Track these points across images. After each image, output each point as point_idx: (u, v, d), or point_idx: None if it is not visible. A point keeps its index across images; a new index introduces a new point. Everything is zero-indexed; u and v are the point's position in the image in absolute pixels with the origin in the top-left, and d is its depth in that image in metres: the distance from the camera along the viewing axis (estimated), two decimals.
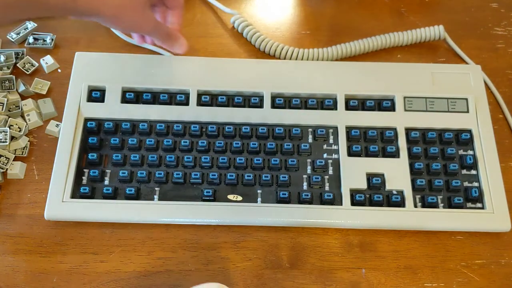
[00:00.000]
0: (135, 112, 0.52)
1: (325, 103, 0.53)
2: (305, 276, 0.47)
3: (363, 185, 0.49)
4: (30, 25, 0.59)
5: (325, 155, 0.51)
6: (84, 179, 0.49)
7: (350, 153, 0.51)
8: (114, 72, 0.54)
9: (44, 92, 0.55)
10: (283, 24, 0.62)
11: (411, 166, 0.51)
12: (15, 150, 0.51)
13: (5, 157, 0.50)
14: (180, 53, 0.52)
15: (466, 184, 0.50)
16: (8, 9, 0.38)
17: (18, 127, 0.52)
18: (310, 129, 0.52)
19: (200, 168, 0.50)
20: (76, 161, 0.49)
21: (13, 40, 0.58)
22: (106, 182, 0.49)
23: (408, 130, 0.52)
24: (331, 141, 0.52)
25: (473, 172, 0.51)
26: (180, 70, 0.54)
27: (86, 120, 0.51)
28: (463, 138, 0.52)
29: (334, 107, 0.53)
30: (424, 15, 0.63)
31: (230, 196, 0.49)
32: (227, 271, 0.47)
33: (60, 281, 0.46)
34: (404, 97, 0.53)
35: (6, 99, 0.53)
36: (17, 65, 0.56)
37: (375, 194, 0.49)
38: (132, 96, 0.53)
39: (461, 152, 0.52)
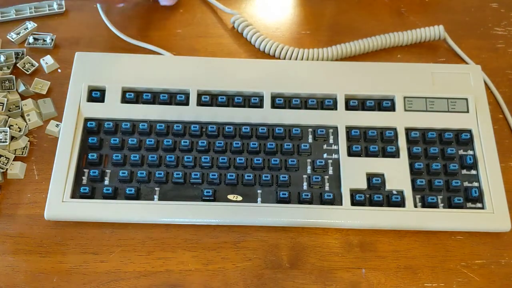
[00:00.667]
0: (135, 112, 0.52)
1: (325, 103, 0.53)
2: (305, 276, 0.47)
3: (363, 185, 0.49)
4: (30, 25, 0.59)
5: (325, 155, 0.51)
6: (84, 179, 0.49)
7: (350, 153, 0.51)
8: (114, 72, 0.54)
9: (44, 92, 0.55)
10: (283, 24, 0.62)
11: (411, 166, 0.51)
12: (15, 150, 0.51)
13: (5, 157, 0.50)
14: (167, 4, 0.50)
15: (466, 184, 0.50)
16: None
17: (18, 127, 0.52)
18: (310, 129, 0.52)
19: (200, 168, 0.50)
20: (76, 161, 0.49)
21: (13, 40, 0.58)
22: (106, 182, 0.49)
23: (408, 130, 0.52)
24: (331, 141, 0.52)
25: (473, 172, 0.51)
26: (180, 70, 0.54)
27: (86, 120, 0.51)
28: (463, 138, 0.52)
29: (334, 107, 0.53)
30: (424, 15, 0.63)
31: (230, 196, 0.49)
32: (227, 271, 0.47)
33: (60, 281, 0.46)
34: (404, 97, 0.53)
35: (6, 99, 0.53)
36: (17, 65, 0.56)
37: (375, 194, 0.49)
38: (132, 96, 0.53)
39: (461, 152, 0.52)
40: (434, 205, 0.49)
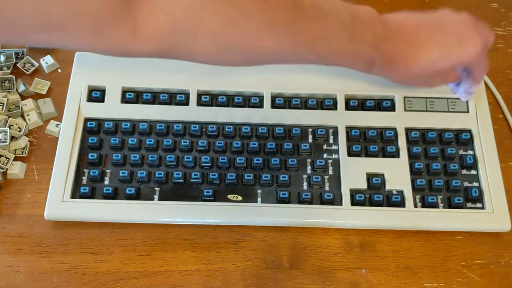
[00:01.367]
0: (135, 112, 0.52)
1: (325, 103, 0.53)
2: (305, 276, 0.47)
3: (363, 185, 0.49)
4: None
5: (325, 155, 0.51)
6: (84, 179, 0.49)
7: (350, 153, 0.51)
8: (114, 72, 0.54)
9: (44, 92, 0.55)
10: None
11: (411, 166, 0.51)
12: (15, 150, 0.51)
13: (5, 157, 0.50)
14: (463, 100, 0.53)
15: (466, 184, 0.50)
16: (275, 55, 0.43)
17: (18, 127, 0.52)
18: (310, 129, 0.52)
19: (200, 168, 0.50)
20: (76, 161, 0.49)
21: None
22: (106, 182, 0.49)
23: (408, 130, 0.52)
24: (331, 141, 0.52)
25: (473, 172, 0.51)
26: (180, 70, 0.54)
27: (86, 120, 0.51)
28: (463, 138, 0.52)
29: (334, 107, 0.53)
30: None
31: (230, 196, 0.49)
32: (227, 271, 0.47)
33: (60, 281, 0.46)
34: (404, 97, 0.53)
35: (6, 99, 0.53)
36: (17, 65, 0.56)
37: (375, 194, 0.49)
38: (132, 96, 0.53)
39: (461, 152, 0.52)
40: (434, 205, 0.49)
